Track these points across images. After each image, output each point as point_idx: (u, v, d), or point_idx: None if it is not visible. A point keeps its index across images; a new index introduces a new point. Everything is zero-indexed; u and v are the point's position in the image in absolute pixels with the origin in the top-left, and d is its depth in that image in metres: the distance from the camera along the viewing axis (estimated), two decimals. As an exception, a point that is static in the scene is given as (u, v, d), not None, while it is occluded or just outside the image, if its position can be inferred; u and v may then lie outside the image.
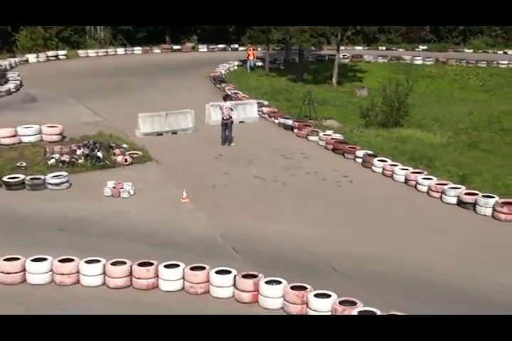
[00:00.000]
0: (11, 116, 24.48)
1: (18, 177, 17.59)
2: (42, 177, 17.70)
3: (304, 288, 11.52)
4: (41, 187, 17.51)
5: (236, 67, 39.70)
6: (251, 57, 38.71)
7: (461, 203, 16.96)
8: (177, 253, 13.30)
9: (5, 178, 17.51)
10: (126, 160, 19.50)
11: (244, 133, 22.91)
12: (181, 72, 36.23)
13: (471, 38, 50.98)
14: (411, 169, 19.09)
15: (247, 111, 25.86)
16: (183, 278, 12.21)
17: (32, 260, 12.46)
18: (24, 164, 18.83)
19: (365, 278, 12.83)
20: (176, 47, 46.02)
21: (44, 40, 42.40)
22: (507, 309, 11.61)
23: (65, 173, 17.99)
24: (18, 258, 12.50)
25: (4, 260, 12.45)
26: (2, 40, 42.92)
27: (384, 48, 48.59)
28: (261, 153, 21.39)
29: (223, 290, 11.98)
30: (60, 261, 12.45)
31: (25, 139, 21.42)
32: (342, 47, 40.28)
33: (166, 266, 12.33)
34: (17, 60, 38.74)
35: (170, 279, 12.21)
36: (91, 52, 42.90)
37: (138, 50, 44.79)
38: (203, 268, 12.24)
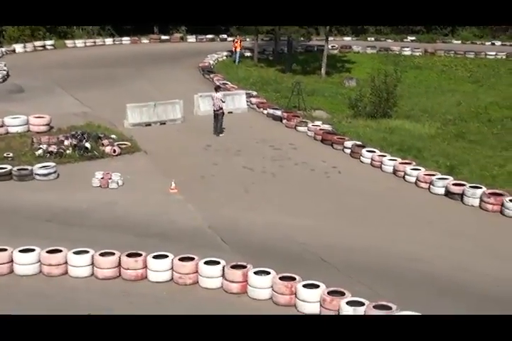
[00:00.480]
0: (-3, 106, 24.28)
1: (5, 168, 17.47)
2: (29, 167, 17.59)
3: (293, 279, 11.56)
4: (28, 178, 17.40)
5: (225, 58, 39.55)
6: (238, 49, 38.58)
7: (448, 194, 17.05)
8: (166, 244, 13.30)
9: (-8, 169, 17.39)
10: (114, 151, 19.42)
11: (233, 124, 22.85)
12: (170, 62, 36.05)
13: (459, 29, 50.98)
14: (399, 160, 19.15)
15: (236, 101, 25.75)
16: (172, 268, 12.21)
17: (19, 251, 12.41)
18: (11, 155, 18.70)
19: (353, 268, 12.88)
20: (164, 37, 45.69)
21: (31, 30, 41.93)
22: (494, 299, 11.73)
23: (53, 164, 17.89)
24: (6, 249, 12.43)
25: (-9, 251, 12.38)
26: (-12, 30, 42.49)
27: (373, 39, 48.54)
28: (250, 143, 21.35)
29: (212, 281, 12.00)
30: (48, 251, 12.41)
31: (12, 130, 21.24)
32: (331, 38, 40.21)
33: (155, 257, 12.32)
34: (4, 50, 38.33)
35: (159, 270, 12.21)
36: (79, 43, 42.46)
37: (126, 40, 44.42)
38: (192, 258, 12.24)
